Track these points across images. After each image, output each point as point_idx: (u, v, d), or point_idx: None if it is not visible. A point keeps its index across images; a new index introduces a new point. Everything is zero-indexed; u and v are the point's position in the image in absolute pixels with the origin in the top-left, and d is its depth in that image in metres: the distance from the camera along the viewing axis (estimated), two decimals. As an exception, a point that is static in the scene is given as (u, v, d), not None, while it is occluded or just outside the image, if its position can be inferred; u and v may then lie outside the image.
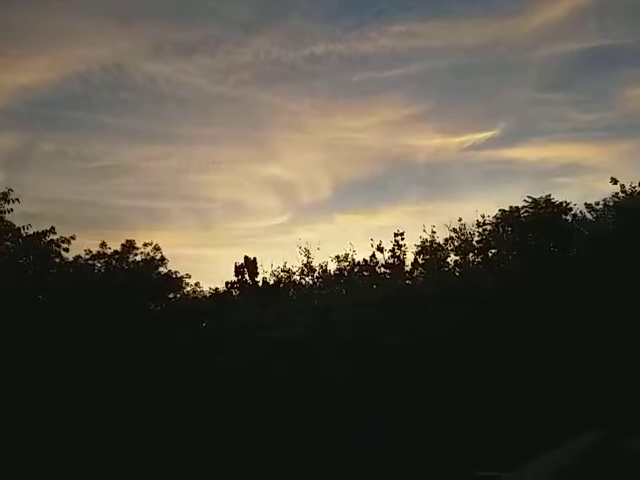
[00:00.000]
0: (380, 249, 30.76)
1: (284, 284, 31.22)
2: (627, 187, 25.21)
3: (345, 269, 31.04)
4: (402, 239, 30.38)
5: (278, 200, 57.10)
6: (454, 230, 28.88)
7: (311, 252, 31.40)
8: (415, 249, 29.52)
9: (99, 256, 28.50)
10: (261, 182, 54.24)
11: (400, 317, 24.42)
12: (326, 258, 31.56)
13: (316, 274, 31.55)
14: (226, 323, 26.94)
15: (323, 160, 51.72)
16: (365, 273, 30.66)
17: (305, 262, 31.57)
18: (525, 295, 23.65)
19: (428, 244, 29.73)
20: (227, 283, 31.68)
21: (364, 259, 31.13)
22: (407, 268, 29.70)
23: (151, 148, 53.06)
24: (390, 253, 30.28)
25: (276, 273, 31.53)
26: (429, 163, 49.84)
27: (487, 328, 23.45)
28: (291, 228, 48.69)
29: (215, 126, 52.67)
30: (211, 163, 53.56)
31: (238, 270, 31.63)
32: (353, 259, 31.34)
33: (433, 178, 51.63)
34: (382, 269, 30.34)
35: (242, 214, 53.47)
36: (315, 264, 31.35)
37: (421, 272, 29.45)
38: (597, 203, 25.95)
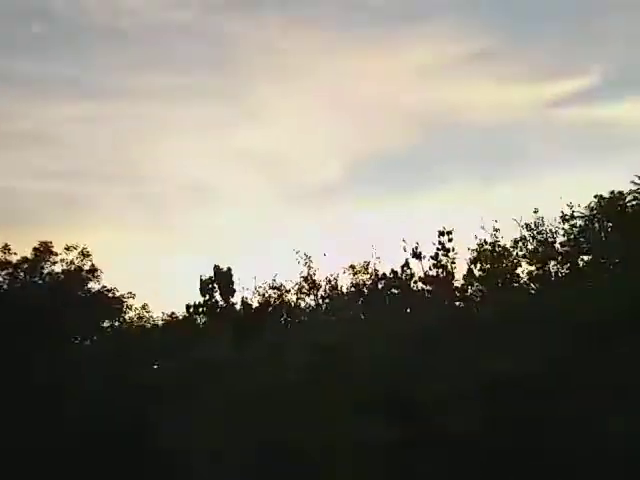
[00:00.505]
0: (417, 255, 29.16)
1: (273, 307, 30.65)
2: None
3: (364, 285, 30.10)
4: (450, 240, 28.61)
5: (262, 181, 52.66)
6: (527, 227, 27.26)
7: (313, 260, 30.42)
8: (469, 255, 28.02)
9: (0, 265, 27.66)
10: (237, 155, 49.80)
11: (448, 356, 23.43)
12: (336, 268, 30.52)
13: (321, 292, 30.55)
14: (186, 366, 26.66)
15: (328, 122, 48.30)
16: (394, 291, 29.63)
17: (305, 275, 30.39)
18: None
19: (488, 248, 28.05)
20: (189, 306, 31.19)
21: (392, 270, 29.78)
22: (457, 283, 28.39)
23: (75, 105, 45.99)
24: (432, 261, 28.70)
25: (261, 291, 31.00)
26: (488, 127, 45.85)
27: (587, 374, 21.94)
28: (283, 223, 45.44)
29: (170, 72, 47.18)
30: (164, 127, 48.12)
31: (205, 286, 31.10)
32: (376, 270, 30.13)
33: (494, 150, 46.61)
34: (420, 284, 29.21)
35: (210, 202, 49.78)
36: (319, 277, 30.49)
37: (478, 289, 28.07)
38: None
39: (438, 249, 28.84)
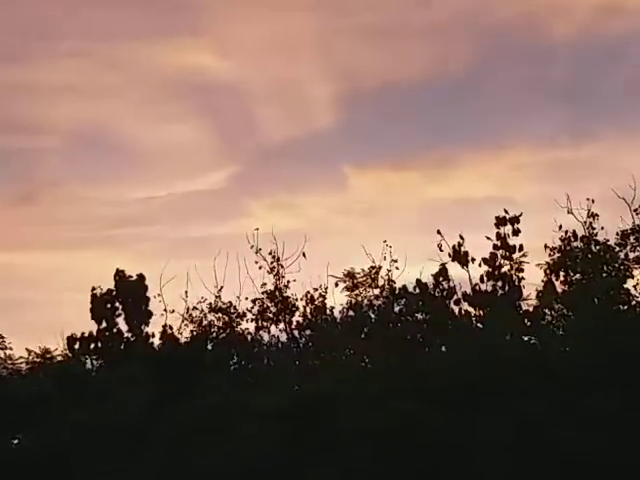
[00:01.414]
0: (460, 257, 29.01)
1: (216, 342, 29.77)
2: None
3: (370, 306, 29.61)
4: (515, 232, 28.73)
5: (206, 132, 52.12)
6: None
7: (283, 262, 29.82)
8: (547, 257, 28.61)
9: None
10: (165, 85, 49.90)
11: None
12: (322, 278, 29.81)
13: (298, 318, 29.74)
14: (63, 444, 26.41)
15: (312, 34, 48.44)
16: (419, 316, 29.17)
17: (271, 288, 29.81)
18: None
19: (578, 245, 28.62)
20: (72, 340, 30.15)
21: (419, 281, 29.40)
22: (528, 304, 28.62)
23: None
24: (485, 267, 29.02)
25: (197, 315, 29.90)
26: (577, 43, 46.07)
27: None
28: (238, 203, 45.77)
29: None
30: (45, 39, 48.04)
31: (100, 307, 30.18)
32: (390, 281, 29.49)
33: (583, 83, 47.31)
34: (465, 306, 29.00)
35: (114, 168, 48.66)
36: (295, 293, 29.95)
37: (562, 314, 28.04)
38: None
39: (496, 247, 28.87)
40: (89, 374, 30.24)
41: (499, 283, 29.15)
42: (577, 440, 24.11)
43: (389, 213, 47.57)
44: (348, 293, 29.90)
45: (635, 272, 28.72)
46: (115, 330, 30.56)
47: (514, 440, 24.93)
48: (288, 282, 30.08)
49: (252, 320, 29.90)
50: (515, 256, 29.25)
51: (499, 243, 29.19)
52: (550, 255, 28.99)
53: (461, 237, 29.43)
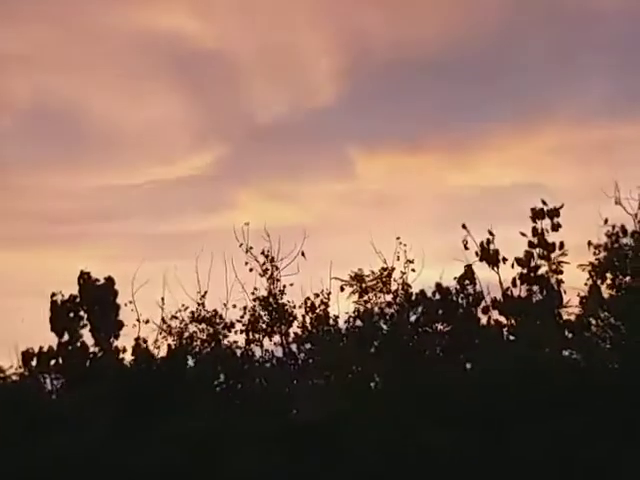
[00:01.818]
0: (488, 257, 29.31)
1: (199, 357, 29.74)
2: None
3: (382, 314, 29.53)
4: (555, 227, 28.97)
5: (187, 110, 52.18)
6: None
7: (278, 263, 29.94)
8: (592, 256, 28.70)
9: None
10: (139, 54, 49.48)
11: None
12: (324, 281, 29.71)
13: (296, 329, 29.76)
14: (20, 469, 26.59)
15: None
16: (440, 326, 29.25)
17: (265, 294, 29.79)
18: None
19: (629, 242, 28.68)
20: (30, 354, 30.39)
21: (439, 286, 29.44)
22: (570, 312, 28.75)
23: None
24: (520, 269, 29.12)
25: (176, 325, 29.87)
26: (622, 7, 45.69)
27: None
28: (224, 192, 46.03)
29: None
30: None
31: (62, 316, 30.32)
32: (405, 285, 29.60)
33: (629, 51, 46.72)
34: (495, 314, 29.14)
35: (78, 151, 48.71)
36: (293, 299, 29.87)
37: (609, 324, 27.98)
38: None
39: (531, 245, 29.07)
40: (48, 396, 30.00)
41: (535, 287, 29.02)
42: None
43: (403, 204, 47.63)
44: (355, 299, 29.74)
45: None
46: (79, 344, 30.35)
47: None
48: (284, 287, 29.91)
49: (241, 332, 29.66)
50: (554, 255, 29.17)
51: (535, 240, 29.13)
52: (595, 254, 28.74)
53: (490, 233, 29.44)
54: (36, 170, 49.71)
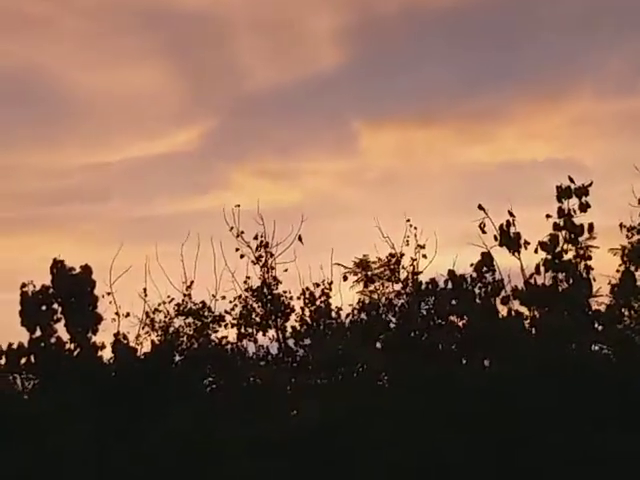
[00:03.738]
0: (508, 241, 29.03)
1: (187, 354, 29.57)
2: None
3: (390, 304, 29.52)
4: (583, 207, 28.70)
5: (171, 77, 50.90)
6: None
7: (273, 249, 29.77)
8: (624, 240, 28.80)
9: None
10: (115, 14, 47.98)
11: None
12: (325, 269, 29.56)
13: (293, 322, 29.64)
14: None
15: None
16: (456, 319, 29.16)
17: (259, 283, 29.61)
18: None
19: None
20: None
21: (452, 273, 29.27)
22: (600, 301, 28.56)
23: None
24: (544, 254, 28.93)
25: (161, 320, 29.68)
26: None
27: None
28: (213, 170, 45.58)
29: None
30: None
31: (34, 309, 29.58)
32: (415, 274, 29.69)
33: None
34: (516, 304, 28.89)
35: (49, 125, 48.47)
36: (290, 290, 29.84)
37: None
38: None
39: (557, 227, 28.91)
40: (18, 398, 29.74)
41: (561, 275, 28.88)
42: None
43: (413, 183, 47.77)
44: (360, 289, 29.81)
45: None
46: (53, 340, 29.74)
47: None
48: (279, 276, 29.78)
49: (232, 326, 29.36)
50: (582, 239, 28.92)
51: (561, 222, 28.84)
52: (628, 237, 28.58)
53: (510, 214, 29.18)
54: (3, 148, 48.61)
